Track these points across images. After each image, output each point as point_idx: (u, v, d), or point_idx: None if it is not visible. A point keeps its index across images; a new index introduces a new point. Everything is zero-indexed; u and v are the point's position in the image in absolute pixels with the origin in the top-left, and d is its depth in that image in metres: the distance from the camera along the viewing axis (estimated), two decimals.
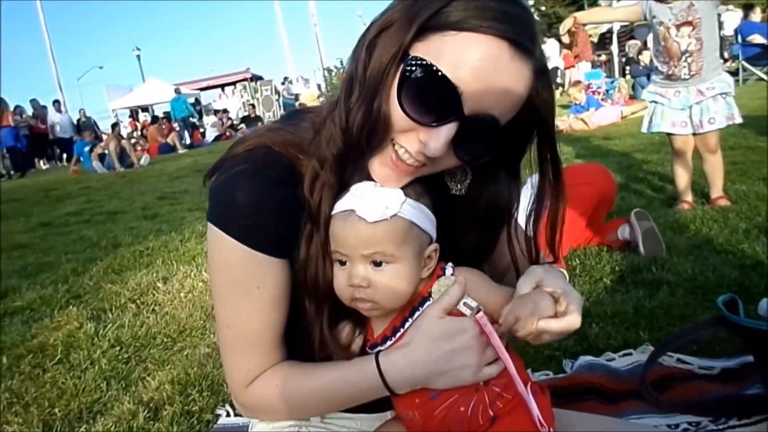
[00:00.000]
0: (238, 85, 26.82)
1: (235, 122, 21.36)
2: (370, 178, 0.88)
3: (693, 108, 3.58)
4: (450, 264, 0.94)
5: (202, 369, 2.23)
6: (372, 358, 0.92)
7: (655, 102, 3.75)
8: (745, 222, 3.18)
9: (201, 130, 21.90)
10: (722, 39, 13.44)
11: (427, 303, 0.91)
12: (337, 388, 0.95)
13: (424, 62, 0.78)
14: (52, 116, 18.58)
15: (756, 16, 12.26)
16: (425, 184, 0.92)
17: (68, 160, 16.10)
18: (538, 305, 0.87)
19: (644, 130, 3.89)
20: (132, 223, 5.84)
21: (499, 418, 0.89)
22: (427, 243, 0.91)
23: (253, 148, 0.93)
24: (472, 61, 0.77)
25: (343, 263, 0.89)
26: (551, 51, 17.96)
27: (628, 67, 16.44)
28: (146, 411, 1.99)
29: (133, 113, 27.17)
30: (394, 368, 0.90)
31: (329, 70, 30.23)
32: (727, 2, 14.13)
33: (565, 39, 4.33)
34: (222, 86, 29.67)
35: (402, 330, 0.92)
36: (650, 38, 3.87)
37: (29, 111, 17.58)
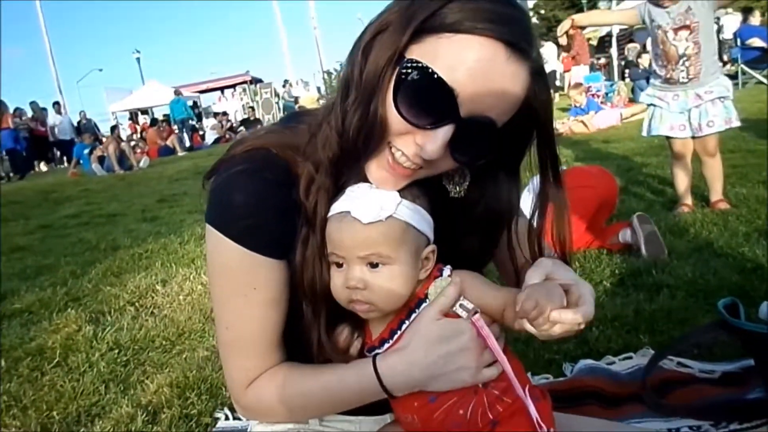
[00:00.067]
0: (237, 87, 26.86)
1: (234, 125, 21.36)
2: (366, 181, 0.88)
3: (692, 111, 3.58)
4: (448, 266, 0.93)
5: (201, 372, 2.22)
6: (369, 361, 0.91)
7: (654, 105, 3.76)
8: (746, 225, 3.18)
9: (200, 132, 21.91)
10: (722, 42, 13.52)
11: (424, 305, 0.90)
12: (335, 390, 0.95)
13: (420, 65, 0.78)
14: (53, 118, 18.58)
15: (755, 19, 12.29)
16: (423, 187, 0.91)
17: (68, 162, 16.09)
18: (551, 294, 0.84)
19: (644, 133, 3.90)
20: (131, 225, 5.84)
21: (500, 422, 0.89)
22: (424, 244, 0.91)
23: (251, 149, 0.93)
24: (467, 63, 0.77)
25: (339, 265, 0.89)
26: (549, 54, 17.99)
27: (627, 70, 16.47)
28: (145, 414, 1.98)
29: (133, 116, 27.18)
30: (392, 371, 0.90)
31: (329, 73, 30.32)
32: (726, 6, 14.18)
33: (562, 40, 4.33)
34: (222, 89, 29.70)
35: (399, 332, 0.91)
36: (649, 41, 3.87)
37: (29, 113, 17.58)
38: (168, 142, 17.39)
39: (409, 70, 0.78)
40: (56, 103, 20.20)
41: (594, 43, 22.39)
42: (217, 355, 2.32)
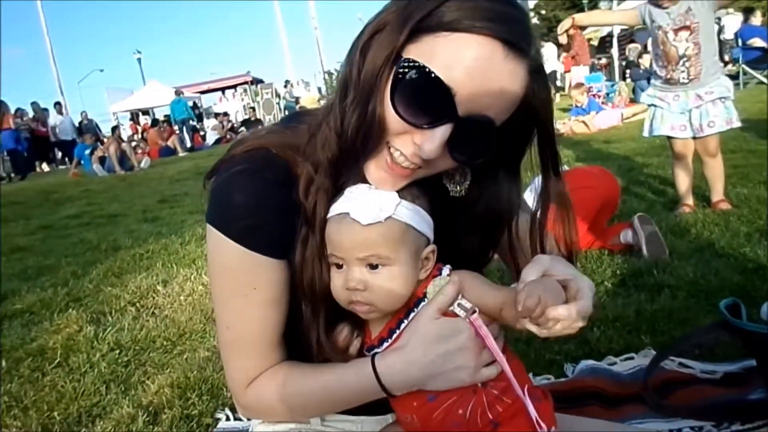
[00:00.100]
0: (238, 88, 26.89)
1: (235, 125, 21.38)
2: (365, 182, 0.88)
3: (692, 112, 3.58)
4: (447, 266, 0.93)
5: (202, 372, 2.22)
6: (368, 360, 0.91)
7: (655, 106, 3.75)
8: (747, 226, 3.18)
9: (201, 133, 21.92)
10: (723, 42, 13.51)
11: (422, 304, 0.90)
12: (335, 390, 0.95)
13: (417, 64, 0.78)
14: (54, 118, 18.59)
15: (756, 19, 12.28)
16: (423, 186, 0.91)
17: (69, 162, 16.10)
18: (548, 291, 0.83)
19: (645, 134, 3.90)
20: (132, 226, 5.84)
21: (501, 423, 0.89)
22: (424, 245, 0.91)
23: (251, 149, 0.93)
24: (465, 61, 0.76)
25: (339, 266, 0.89)
26: (549, 55, 17.99)
27: (628, 71, 16.46)
28: (145, 415, 1.98)
29: (134, 116, 27.20)
30: (390, 370, 0.90)
31: (329, 74, 30.28)
32: (726, 6, 14.17)
33: (562, 39, 4.33)
34: (222, 89, 29.75)
35: (398, 331, 0.91)
36: (650, 42, 3.88)
37: (30, 114, 17.59)
38: (169, 143, 17.40)
39: (406, 70, 0.78)
40: (57, 104, 20.21)
41: (595, 43, 22.39)
42: (217, 355, 2.32)
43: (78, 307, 3.23)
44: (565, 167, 4.06)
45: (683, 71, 3.53)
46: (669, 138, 3.74)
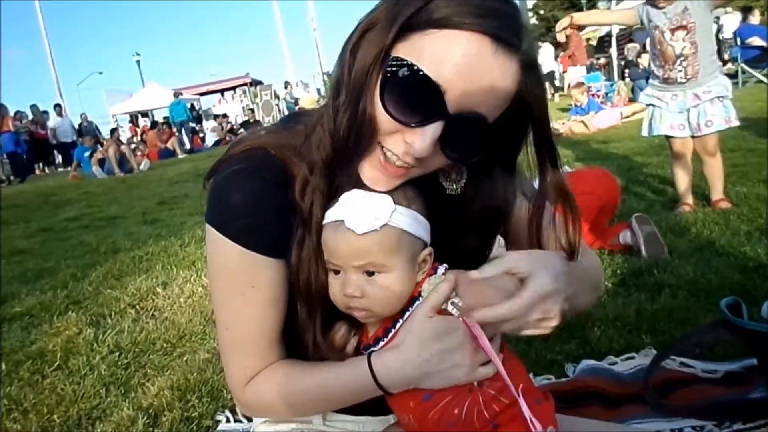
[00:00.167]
0: (237, 90, 26.88)
1: (234, 127, 21.37)
2: (360, 181, 0.87)
3: (690, 111, 3.58)
4: (444, 265, 0.93)
5: (202, 374, 2.21)
6: (365, 359, 0.91)
7: (653, 105, 3.76)
8: (747, 224, 3.18)
9: (201, 135, 21.92)
10: (722, 41, 13.52)
11: (417, 302, 0.90)
12: (332, 388, 0.95)
13: (405, 62, 0.77)
14: (54, 120, 18.58)
15: (755, 18, 12.30)
16: (419, 186, 0.91)
17: (68, 165, 16.10)
18: (481, 293, 0.83)
19: (644, 133, 3.90)
20: (132, 228, 5.84)
21: (501, 425, 0.88)
22: (420, 248, 0.91)
23: (249, 149, 0.93)
24: (454, 58, 0.76)
25: (336, 272, 0.89)
26: (546, 55, 18.01)
27: (627, 70, 16.47)
28: (145, 417, 1.98)
29: (133, 118, 27.19)
30: (386, 369, 0.90)
31: (328, 75, 30.27)
32: (725, 5, 14.18)
33: (560, 37, 4.33)
34: (222, 91, 29.74)
35: (393, 330, 0.91)
36: (648, 42, 3.88)
37: (30, 116, 17.59)
38: (168, 145, 17.39)
39: (395, 69, 0.78)
40: (57, 106, 20.17)
41: (594, 43, 22.41)
42: (218, 357, 2.32)
43: (77, 310, 3.23)
44: (566, 168, 4.08)
45: (680, 71, 3.54)
46: (668, 137, 3.74)
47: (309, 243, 0.89)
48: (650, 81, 3.88)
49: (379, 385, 0.90)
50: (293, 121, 0.99)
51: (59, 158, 19.20)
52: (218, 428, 1.90)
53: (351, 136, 0.83)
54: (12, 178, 15.52)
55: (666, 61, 3.57)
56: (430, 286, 0.90)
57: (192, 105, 24.33)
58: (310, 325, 0.93)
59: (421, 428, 0.92)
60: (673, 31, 3.49)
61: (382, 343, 0.92)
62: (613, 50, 19.61)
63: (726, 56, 13.49)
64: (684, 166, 3.74)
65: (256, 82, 27.27)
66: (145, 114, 27.13)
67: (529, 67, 0.81)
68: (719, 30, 14.33)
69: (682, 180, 3.76)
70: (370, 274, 0.87)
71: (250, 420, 1.85)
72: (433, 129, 0.79)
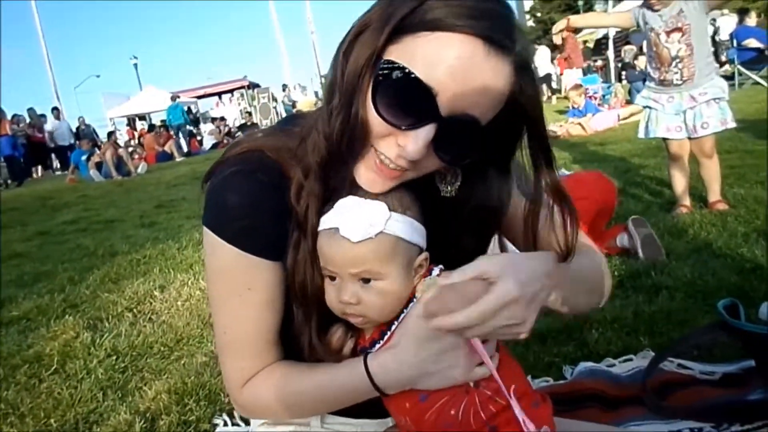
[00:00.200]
0: (235, 92, 26.82)
1: (232, 130, 21.37)
2: (356, 184, 0.87)
3: (687, 113, 3.59)
4: (440, 266, 0.93)
5: (200, 378, 2.21)
6: (361, 360, 0.92)
7: (649, 107, 3.76)
8: (744, 226, 3.18)
9: (198, 137, 21.90)
10: (718, 43, 13.55)
11: (412, 304, 0.90)
12: (329, 389, 0.95)
13: (397, 65, 0.77)
14: (52, 124, 18.55)
15: (751, 20, 12.32)
16: (415, 188, 0.91)
17: (66, 168, 16.07)
18: (444, 299, 0.80)
19: (641, 135, 3.90)
20: (129, 231, 5.83)
21: (498, 428, 0.88)
22: (416, 254, 0.91)
23: (246, 151, 0.93)
24: (446, 61, 0.75)
25: (333, 278, 0.89)
26: (543, 58, 18.04)
27: (624, 72, 16.51)
28: (143, 421, 1.97)
29: (131, 122, 27.15)
30: (382, 370, 0.90)
31: (325, 78, 30.16)
32: (721, 7, 14.22)
33: (556, 39, 4.35)
34: (219, 94, 29.68)
35: (389, 332, 0.91)
36: (645, 44, 3.89)
37: (27, 120, 17.55)
38: (166, 148, 17.37)
39: (387, 71, 0.78)
40: (55, 109, 20.15)
41: (591, 45, 22.45)
42: (215, 360, 2.31)
43: (75, 314, 3.22)
44: (563, 171, 4.08)
45: (676, 72, 3.55)
46: (664, 139, 3.75)
47: (305, 246, 0.89)
48: (647, 83, 3.89)
49: (375, 387, 0.90)
50: (290, 123, 0.99)
51: (57, 162, 19.16)
52: (216, 431, 1.90)
53: (344, 139, 0.83)
54: (9, 181, 15.48)
55: (662, 63, 3.58)
56: (424, 288, 0.90)
57: (189, 108, 24.32)
58: (306, 327, 0.93)
59: (418, 429, 0.92)
60: (668, 33, 3.50)
61: (378, 346, 0.92)
62: (610, 52, 19.65)
63: (723, 58, 13.52)
64: (681, 168, 3.75)
65: (253, 85, 27.23)
66: (142, 117, 27.10)
67: (523, 68, 0.81)
68: (716, 32, 14.38)
69: (679, 182, 3.77)
70: (366, 281, 0.87)
71: (247, 423, 1.84)
72: (426, 132, 0.79)
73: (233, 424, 1.90)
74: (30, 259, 5.01)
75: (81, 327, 2.96)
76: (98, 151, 14.02)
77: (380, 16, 0.80)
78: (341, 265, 0.86)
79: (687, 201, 3.76)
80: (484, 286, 0.79)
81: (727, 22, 14.27)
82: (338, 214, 0.86)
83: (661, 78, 3.62)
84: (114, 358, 2.55)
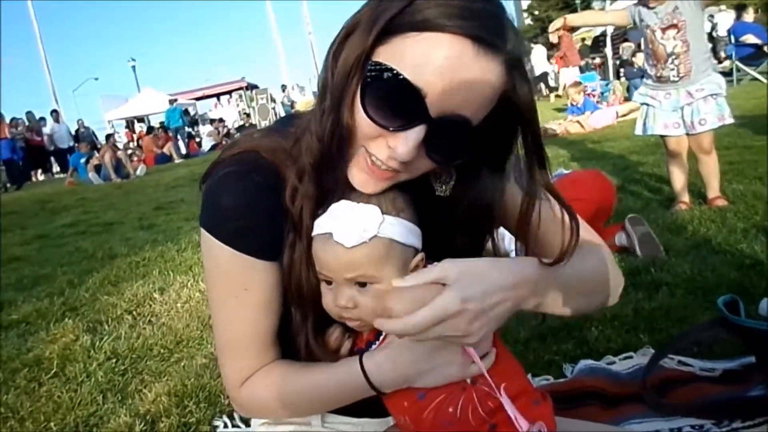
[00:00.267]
0: (233, 94, 26.81)
1: (231, 131, 21.36)
2: (349, 185, 0.87)
3: (684, 109, 3.59)
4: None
5: (200, 380, 2.21)
6: (357, 359, 0.92)
7: (647, 104, 3.76)
8: (743, 222, 3.18)
9: (197, 139, 21.90)
10: (716, 39, 13.55)
11: None
12: (326, 388, 0.95)
13: (385, 66, 0.76)
14: (51, 126, 18.54)
15: (749, 16, 12.33)
16: (409, 188, 0.90)
17: (65, 171, 16.07)
18: (393, 300, 0.80)
19: (638, 132, 3.90)
20: (128, 234, 5.82)
21: (498, 425, 0.88)
22: (412, 255, 0.90)
23: (242, 152, 0.93)
24: (434, 61, 0.75)
25: (329, 282, 0.89)
26: (539, 56, 18.06)
27: (622, 70, 16.53)
28: (143, 424, 1.96)
29: (129, 124, 27.13)
30: (378, 368, 0.90)
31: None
32: (718, 3, 14.23)
33: (553, 38, 4.36)
34: (218, 95, 29.67)
35: (384, 333, 0.91)
36: (642, 41, 3.89)
37: (26, 123, 17.55)
38: (164, 150, 17.38)
39: (375, 73, 0.77)
40: (54, 112, 20.13)
41: (589, 42, 22.48)
42: (215, 362, 2.31)
43: (74, 317, 3.21)
44: (561, 169, 4.07)
45: (673, 69, 3.55)
46: (662, 136, 3.75)
47: (300, 247, 0.89)
48: (644, 80, 3.89)
49: (371, 385, 0.90)
50: (287, 123, 0.99)
51: (56, 165, 19.16)
52: None
53: (335, 140, 0.83)
54: (8, 185, 15.48)
55: (658, 60, 3.58)
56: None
57: (186, 110, 24.30)
58: (304, 327, 0.93)
59: (417, 428, 0.92)
60: (664, 30, 3.51)
61: (374, 346, 0.92)
62: (608, 50, 19.70)
63: (721, 54, 13.53)
64: (680, 165, 3.75)
65: (251, 86, 27.23)
66: (141, 119, 27.09)
67: (515, 68, 0.80)
68: (714, 28, 14.39)
69: (678, 178, 3.77)
70: (362, 285, 0.87)
71: (248, 425, 1.84)
72: (416, 133, 0.78)
73: (233, 426, 1.89)
74: (29, 263, 5.01)
75: (80, 330, 2.95)
76: (97, 154, 14.01)
77: (369, 16, 0.79)
78: (336, 270, 0.86)
79: (686, 197, 3.76)
80: (437, 290, 0.79)
81: (725, 18, 14.28)
82: (331, 218, 0.86)
83: (658, 75, 3.62)
84: (114, 360, 2.54)
